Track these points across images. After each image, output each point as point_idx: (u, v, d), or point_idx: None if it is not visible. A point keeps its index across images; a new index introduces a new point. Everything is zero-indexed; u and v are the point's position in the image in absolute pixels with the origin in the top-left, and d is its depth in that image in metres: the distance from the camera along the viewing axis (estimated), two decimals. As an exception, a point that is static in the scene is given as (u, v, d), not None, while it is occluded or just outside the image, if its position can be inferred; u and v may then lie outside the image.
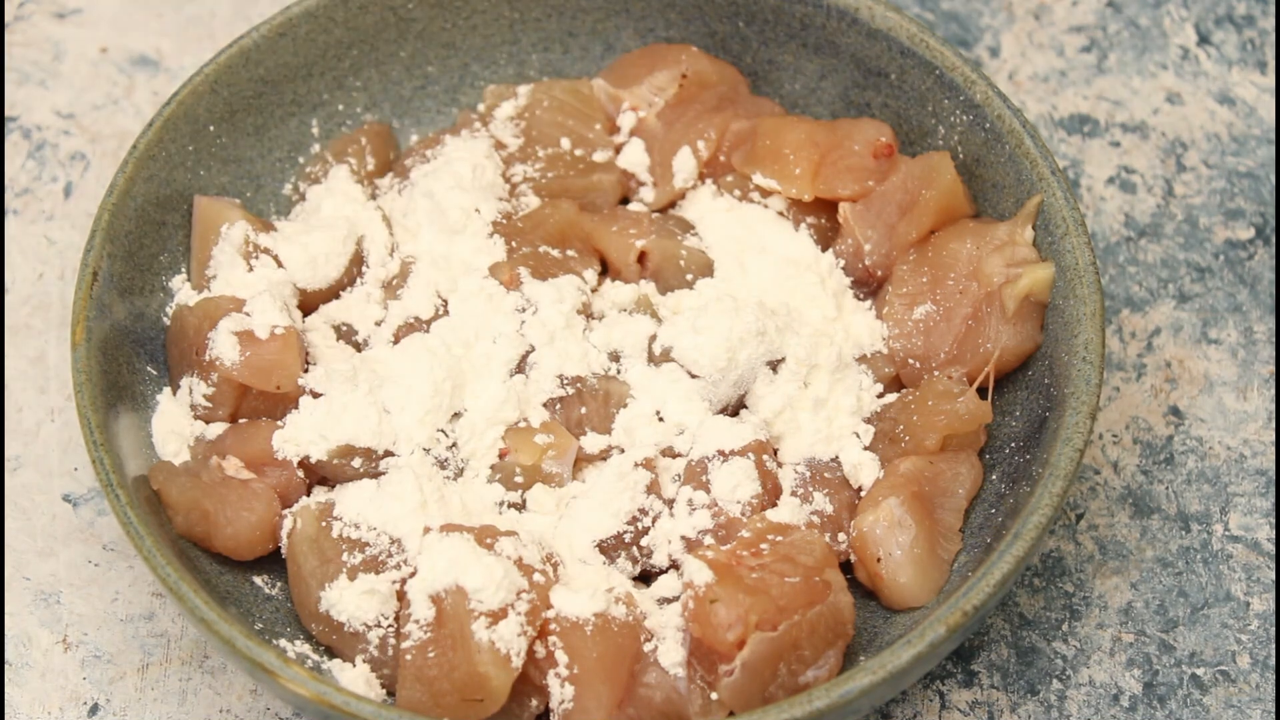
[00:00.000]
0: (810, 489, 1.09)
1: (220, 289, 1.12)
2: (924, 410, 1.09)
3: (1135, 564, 1.15)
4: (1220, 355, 1.23)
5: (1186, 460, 1.19)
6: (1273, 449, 1.19)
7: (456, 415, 1.10)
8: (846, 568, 1.08)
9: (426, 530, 1.04)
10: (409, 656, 1.00)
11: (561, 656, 1.01)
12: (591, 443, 1.10)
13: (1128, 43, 1.37)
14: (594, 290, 1.16)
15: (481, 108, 1.22)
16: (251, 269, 1.12)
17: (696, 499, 1.07)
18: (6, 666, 1.11)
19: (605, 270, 1.18)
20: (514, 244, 1.15)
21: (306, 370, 1.11)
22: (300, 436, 1.07)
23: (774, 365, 1.12)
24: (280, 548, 1.08)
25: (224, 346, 1.08)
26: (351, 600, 1.03)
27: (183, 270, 1.15)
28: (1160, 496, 1.18)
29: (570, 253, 1.16)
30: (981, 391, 1.11)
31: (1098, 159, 1.32)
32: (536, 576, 1.02)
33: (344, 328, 1.14)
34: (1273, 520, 1.17)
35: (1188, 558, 1.16)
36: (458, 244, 1.15)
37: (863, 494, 1.09)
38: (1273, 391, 1.21)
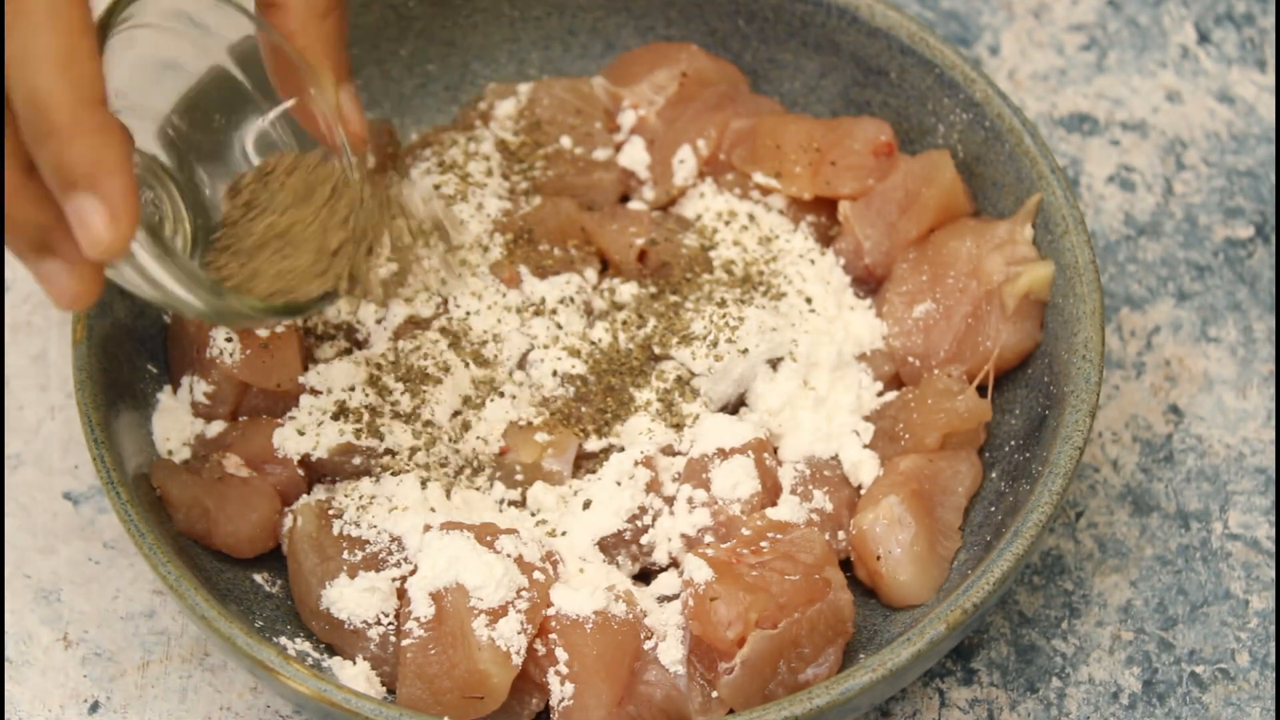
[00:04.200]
0: (810, 487, 1.09)
1: (221, 287, 1.13)
2: (924, 408, 1.09)
3: (1135, 562, 1.15)
4: (1220, 353, 1.23)
5: (1186, 458, 1.19)
6: (1272, 447, 1.19)
7: (457, 413, 1.10)
8: (846, 565, 1.08)
9: (427, 528, 1.04)
10: (409, 654, 1.00)
11: (561, 654, 1.01)
12: (591, 441, 1.10)
13: (1127, 41, 1.37)
14: (594, 288, 1.16)
15: (482, 106, 1.22)
16: (252, 267, 1.13)
17: (696, 497, 1.07)
18: (7, 664, 1.11)
19: (605, 268, 1.18)
20: (514, 242, 1.15)
21: (307, 368, 1.11)
22: (301, 434, 1.08)
23: (774, 363, 1.12)
24: (280, 545, 1.08)
25: (224, 345, 1.08)
26: (352, 598, 1.03)
27: (183, 268, 1.15)
28: (1160, 494, 1.18)
29: (571, 251, 1.16)
30: (981, 389, 1.11)
31: (1097, 157, 1.32)
32: (536, 574, 1.03)
33: (345, 325, 1.14)
34: (1272, 518, 1.17)
35: (1187, 556, 1.16)
36: (458, 242, 1.15)
37: (862, 492, 1.09)
38: (1272, 390, 1.21)
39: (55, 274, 0.88)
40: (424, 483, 1.07)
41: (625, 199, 1.21)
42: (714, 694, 1.01)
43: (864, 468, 1.10)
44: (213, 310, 0.94)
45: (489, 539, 1.03)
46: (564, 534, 1.08)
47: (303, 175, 1.00)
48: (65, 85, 0.82)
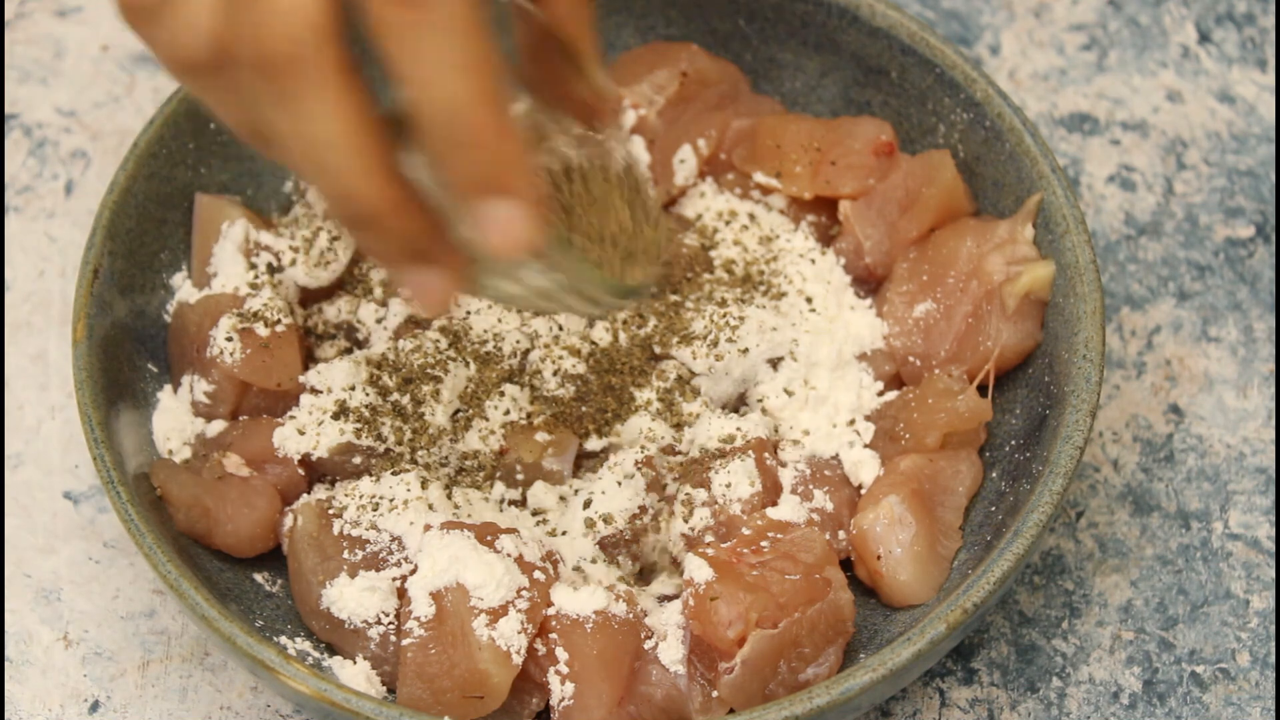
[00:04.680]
0: (810, 487, 1.09)
1: (221, 286, 1.12)
2: (924, 408, 1.09)
3: (1135, 562, 1.15)
4: (1220, 353, 1.23)
5: (1186, 458, 1.19)
6: (1272, 447, 1.19)
7: (457, 413, 1.10)
8: (847, 565, 1.08)
9: (427, 527, 1.04)
10: (409, 654, 1.00)
11: (562, 654, 1.01)
12: (591, 441, 1.10)
13: (1128, 41, 1.37)
14: (594, 288, 1.16)
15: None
16: (252, 266, 1.12)
17: (696, 497, 1.07)
18: (7, 663, 1.11)
19: (606, 268, 1.18)
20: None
21: (307, 368, 1.11)
22: (301, 434, 1.08)
23: (774, 363, 1.12)
24: (281, 545, 1.08)
25: (225, 344, 1.08)
26: (352, 597, 1.03)
27: (184, 268, 1.15)
28: (1160, 494, 1.18)
29: (571, 250, 1.16)
30: (982, 389, 1.11)
31: (1098, 157, 1.32)
32: (537, 574, 1.02)
33: (345, 325, 1.14)
34: (1272, 518, 1.17)
35: (1187, 555, 1.16)
36: (458, 242, 1.15)
37: (863, 492, 1.09)
38: (1272, 389, 1.21)
39: (428, 281, 0.88)
40: (424, 482, 1.07)
41: (625, 199, 1.21)
42: (714, 694, 1.01)
43: (864, 467, 1.10)
44: (600, 299, 0.93)
45: (489, 538, 1.03)
46: (564, 534, 1.08)
47: (598, 169, 0.98)
48: (480, 91, 0.81)
